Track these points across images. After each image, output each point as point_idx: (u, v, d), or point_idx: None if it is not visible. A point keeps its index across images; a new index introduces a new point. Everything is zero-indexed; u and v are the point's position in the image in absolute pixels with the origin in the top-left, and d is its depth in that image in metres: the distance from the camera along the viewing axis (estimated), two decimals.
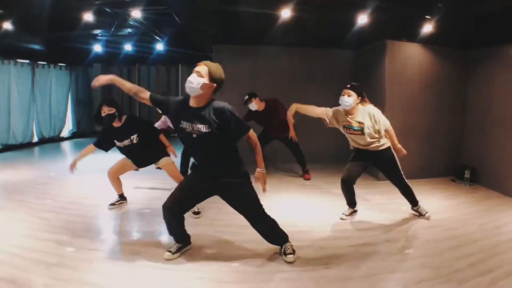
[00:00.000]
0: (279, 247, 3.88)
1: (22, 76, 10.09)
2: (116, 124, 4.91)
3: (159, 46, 9.71)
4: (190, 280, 3.38)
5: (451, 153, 7.26)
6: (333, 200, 5.68)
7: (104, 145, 5.09)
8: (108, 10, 6.24)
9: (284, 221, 4.00)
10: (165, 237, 4.27)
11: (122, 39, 9.32)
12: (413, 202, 5.01)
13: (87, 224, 4.72)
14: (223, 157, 3.51)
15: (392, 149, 4.74)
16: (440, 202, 5.66)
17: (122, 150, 5.07)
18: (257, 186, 3.64)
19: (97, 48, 9.89)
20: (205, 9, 6.41)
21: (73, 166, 5.03)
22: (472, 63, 6.95)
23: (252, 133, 3.47)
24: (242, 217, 3.74)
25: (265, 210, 3.74)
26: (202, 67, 3.35)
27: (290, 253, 3.74)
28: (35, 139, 10.93)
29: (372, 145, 4.66)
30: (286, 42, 7.98)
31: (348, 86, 4.58)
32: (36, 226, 4.52)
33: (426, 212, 4.96)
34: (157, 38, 8.92)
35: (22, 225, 4.56)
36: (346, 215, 4.99)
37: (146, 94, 3.58)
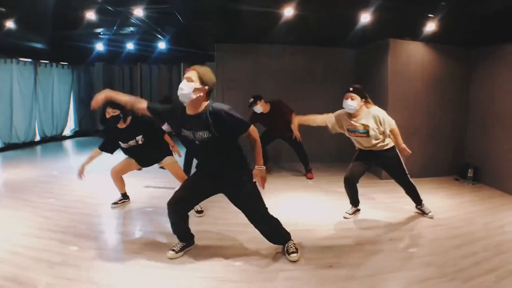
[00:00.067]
0: (282, 246, 3.87)
1: (25, 75, 10.09)
2: (121, 125, 4.89)
3: (161, 45, 9.69)
4: (193, 279, 3.38)
5: (454, 152, 7.24)
6: (336, 199, 5.67)
7: (109, 147, 5.09)
8: (110, 8, 6.23)
9: (287, 219, 4.00)
10: (168, 236, 4.26)
11: (124, 38, 9.32)
12: (417, 201, 5.00)
13: (90, 223, 4.72)
14: (227, 157, 3.51)
15: (397, 149, 4.72)
16: (443, 201, 5.65)
17: (126, 150, 5.07)
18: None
19: (99, 46, 9.89)
20: (207, 8, 6.40)
21: (81, 172, 5.02)
22: (475, 61, 6.93)
23: (252, 129, 3.44)
24: (244, 216, 3.73)
25: (268, 210, 3.73)
26: (191, 72, 3.32)
27: (293, 252, 3.73)
28: (37, 138, 10.95)
29: (376, 146, 4.64)
30: (288, 41, 7.97)
31: (351, 89, 4.52)
32: (39, 225, 4.52)
33: (430, 211, 4.95)
34: (159, 36, 8.91)
35: (25, 224, 4.56)
36: (349, 214, 4.99)
37: (143, 104, 3.55)
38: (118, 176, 5.26)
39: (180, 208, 3.70)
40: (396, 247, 4.08)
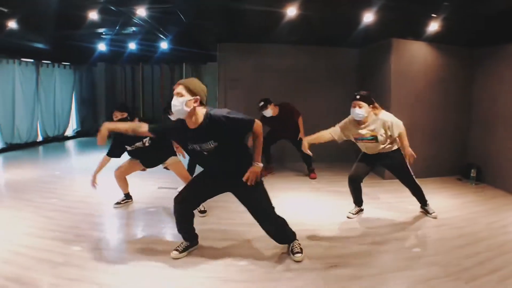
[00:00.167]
0: (287, 245, 3.87)
1: (27, 75, 10.10)
2: None
3: (163, 45, 9.69)
4: (197, 279, 3.37)
5: (457, 152, 7.23)
6: (339, 199, 5.67)
7: (117, 152, 5.09)
8: (113, 8, 6.22)
9: (290, 219, 3.98)
10: (171, 236, 4.27)
11: (126, 38, 9.31)
12: (423, 201, 5.00)
13: (93, 223, 4.72)
14: (236, 159, 3.52)
15: (402, 152, 4.70)
16: (447, 201, 5.65)
17: (132, 152, 5.07)
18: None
19: (101, 47, 9.88)
20: (210, 7, 6.39)
21: (94, 181, 4.99)
22: (478, 61, 6.92)
23: (256, 125, 3.44)
24: (249, 216, 3.72)
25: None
26: (179, 87, 3.31)
27: (298, 252, 3.72)
28: (40, 138, 10.95)
29: (384, 148, 4.64)
30: (291, 41, 7.96)
31: (358, 97, 4.45)
32: (42, 225, 4.52)
33: (433, 212, 4.95)
34: (162, 36, 8.90)
35: (27, 224, 4.56)
36: (353, 214, 4.98)
37: (144, 128, 3.54)
38: (122, 177, 5.26)
39: (187, 203, 3.70)
40: (400, 246, 4.07)
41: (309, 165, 7.14)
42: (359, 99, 4.43)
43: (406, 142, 4.59)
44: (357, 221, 4.89)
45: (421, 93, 6.88)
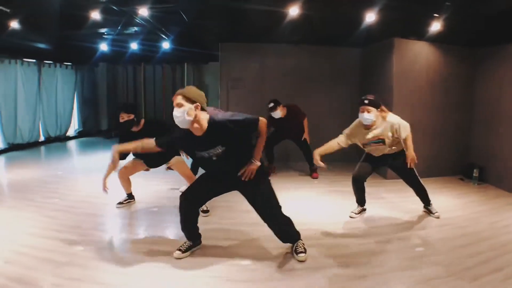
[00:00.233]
0: (290, 245, 3.87)
1: (29, 75, 10.11)
2: (135, 129, 4.93)
3: (165, 45, 9.70)
4: (200, 278, 3.38)
5: (459, 152, 7.22)
6: (341, 199, 5.67)
7: (124, 154, 5.08)
8: (115, 8, 6.23)
9: (293, 219, 3.99)
10: (174, 236, 4.27)
11: (128, 38, 9.32)
12: (426, 201, 5.01)
13: (96, 223, 4.73)
14: (244, 160, 3.53)
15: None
16: (449, 201, 5.64)
17: (136, 152, 5.07)
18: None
19: (103, 47, 9.89)
20: (212, 6, 6.40)
21: (105, 186, 4.98)
22: (480, 61, 6.91)
23: (261, 122, 3.46)
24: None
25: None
26: (177, 98, 3.32)
27: (301, 252, 3.73)
28: (42, 138, 10.96)
29: (389, 151, 4.65)
30: (293, 40, 7.96)
31: (366, 102, 4.42)
32: (44, 225, 4.53)
33: (436, 211, 4.95)
34: (163, 36, 8.91)
35: (30, 224, 4.57)
36: (355, 213, 4.98)
37: (152, 143, 3.56)
38: (125, 177, 5.25)
39: (193, 200, 3.72)
40: (403, 246, 4.07)
41: (311, 165, 7.14)
42: (368, 104, 4.41)
43: (410, 145, 4.55)
44: (360, 220, 4.89)
45: (423, 93, 6.88)
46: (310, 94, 8.19)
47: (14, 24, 6.91)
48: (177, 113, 3.28)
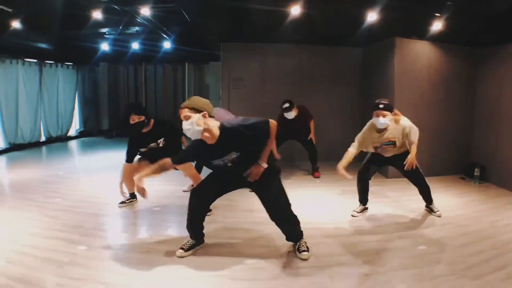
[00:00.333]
0: (293, 244, 3.88)
1: (30, 75, 10.11)
2: (145, 130, 4.95)
3: (166, 45, 9.70)
4: (204, 277, 3.38)
5: (460, 151, 7.23)
6: (343, 198, 5.69)
7: (134, 156, 5.11)
8: (117, 7, 6.23)
9: None
10: (177, 235, 4.27)
11: (130, 38, 9.32)
12: (428, 200, 5.03)
13: (98, 223, 4.73)
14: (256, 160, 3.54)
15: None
16: (450, 200, 5.65)
17: (144, 153, 5.08)
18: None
19: (104, 46, 9.90)
20: (214, 6, 6.40)
21: (122, 192, 4.99)
22: (481, 61, 6.92)
23: (272, 124, 3.47)
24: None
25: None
26: (184, 111, 3.34)
27: (304, 250, 3.74)
28: (43, 138, 10.96)
29: (398, 152, 4.68)
30: (294, 40, 7.96)
31: (381, 106, 4.42)
32: (46, 225, 4.52)
33: (438, 210, 4.96)
34: (165, 36, 8.91)
35: (32, 224, 4.57)
36: (357, 212, 4.99)
37: (169, 163, 3.58)
38: (130, 177, 5.22)
39: (204, 196, 3.74)
40: (405, 244, 4.08)
41: (314, 164, 7.17)
42: (383, 109, 4.42)
43: (415, 150, 4.57)
44: (362, 219, 4.89)
45: (424, 93, 6.88)
46: (310, 93, 8.18)
47: (16, 24, 6.91)
48: (186, 125, 3.30)
